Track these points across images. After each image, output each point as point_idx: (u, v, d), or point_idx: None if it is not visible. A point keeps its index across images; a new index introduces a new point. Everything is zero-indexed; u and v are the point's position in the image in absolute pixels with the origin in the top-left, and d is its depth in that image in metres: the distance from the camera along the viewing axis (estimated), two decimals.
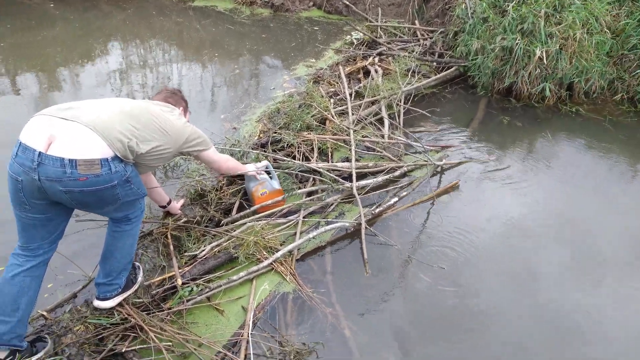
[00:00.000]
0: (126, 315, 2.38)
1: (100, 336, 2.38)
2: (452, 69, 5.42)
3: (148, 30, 6.69)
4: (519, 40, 4.77)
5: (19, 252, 2.12)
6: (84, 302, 2.49)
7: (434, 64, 5.61)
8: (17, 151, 1.89)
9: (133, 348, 2.33)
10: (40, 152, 1.83)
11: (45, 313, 2.44)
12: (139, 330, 2.38)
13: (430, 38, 6.01)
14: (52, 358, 2.17)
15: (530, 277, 2.99)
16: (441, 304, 2.79)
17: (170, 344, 2.36)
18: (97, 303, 2.40)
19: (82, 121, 1.92)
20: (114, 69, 5.44)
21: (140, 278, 2.59)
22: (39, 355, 2.14)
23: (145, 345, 2.34)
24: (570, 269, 3.06)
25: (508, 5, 4.98)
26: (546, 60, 4.71)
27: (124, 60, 5.75)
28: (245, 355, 2.39)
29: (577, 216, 3.50)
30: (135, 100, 2.34)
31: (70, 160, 1.85)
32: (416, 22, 6.57)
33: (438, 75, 5.33)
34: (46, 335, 2.27)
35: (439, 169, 3.94)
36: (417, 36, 6.20)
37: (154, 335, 2.33)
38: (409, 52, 5.62)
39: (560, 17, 4.87)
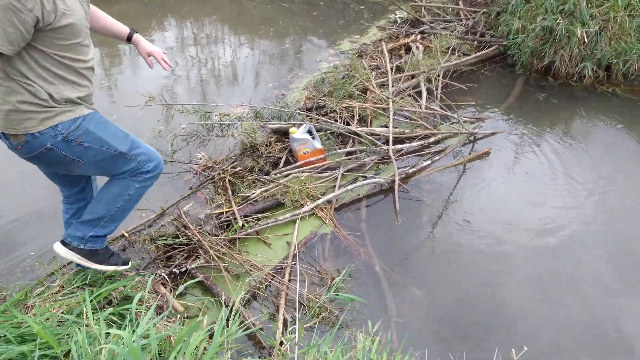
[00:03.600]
0: (191, 236, 2.83)
1: (169, 254, 2.84)
2: (492, 48, 5.59)
3: (207, 8, 7.16)
4: (559, 20, 4.90)
5: (62, 200, 2.41)
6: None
7: (475, 42, 5.80)
8: None
9: (196, 265, 2.78)
10: None
11: (126, 234, 2.94)
12: (201, 251, 2.83)
13: (473, 18, 6.17)
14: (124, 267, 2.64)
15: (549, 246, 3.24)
16: (465, 249, 3.10)
17: (226, 264, 2.80)
18: (56, 245, 2.20)
19: None
20: (173, 43, 5.93)
21: (121, 267, 2.39)
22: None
23: (205, 264, 2.79)
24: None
25: None
26: (586, 40, 4.82)
27: (182, 36, 6.24)
28: (289, 279, 2.80)
29: (608, 197, 3.65)
30: None
31: (3, 133, 1.88)
32: (460, 2, 6.72)
33: (478, 53, 5.52)
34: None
35: (471, 138, 4.20)
36: (460, 16, 6.38)
37: (214, 254, 2.77)
38: (451, 31, 5.82)
39: None
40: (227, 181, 3.40)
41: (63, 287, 2.25)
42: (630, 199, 3.54)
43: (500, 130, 4.33)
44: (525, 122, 4.51)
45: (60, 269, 2.49)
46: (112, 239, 2.92)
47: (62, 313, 2.00)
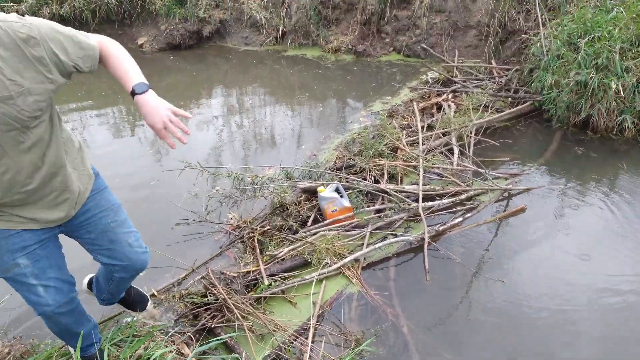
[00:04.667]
0: (217, 296, 2.87)
1: (196, 313, 2.89)
2: (526, 104, 5.57)
3: (249, 76, 7.65)
4: (593, 74, 4.85)
5: None
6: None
7: (509, 99, 5.80)
8: None
9: (220, 324, 2.80)
10: None
11: (155, 292, 3.03)
12: (226, 310, 2.85)
13: (506, 76, 6.22)
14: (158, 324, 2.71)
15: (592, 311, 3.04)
16: (500, 314, 2.94)
17: (251, 324, 2.80)
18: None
19: None
20: (217, 111, 6.33)
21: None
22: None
23: (230, 324, 2.80)
24: None
25: (581, 42, 5.09)
26: (623, 93, 4.72)
27: (226, 104, 6.65)
28: (312, 340, 2.75)
29: None
30: None
31: None
32: (492, 61, 6.82)
33: (512, 110, 5.50)
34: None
35: (506, 195, 4.10)
36: (492, 74, 6.44)
37: (238, 313, 2.78)
38: (483, 89, 5.87)
39: (637, 51, 4.88)
40: (255, 240, 3.47)
41: None
42: None
43: (537, 185, 4.21)
44: (564, 177, 4.37)
45: None
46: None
47: None
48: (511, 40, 6.81)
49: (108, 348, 2.32)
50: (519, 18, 6.67)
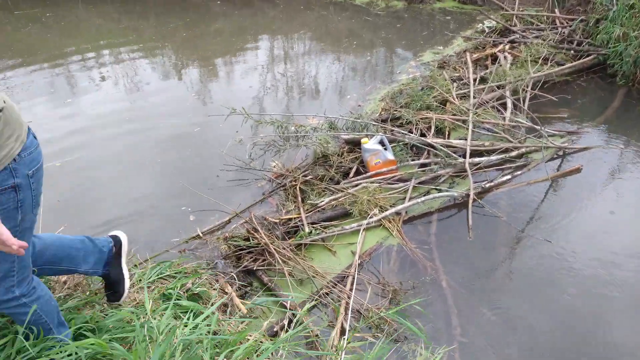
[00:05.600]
0: (259, 240, 2.95)
1: (238, 255, 2.98)
2: (590, 57, 5.16)
3: (295, 23, 7.48)
4: None
5: None
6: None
7: (571, 52, 5.38)
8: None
9: (262, 267, 2.89)
10: None
11: (200, 233, 3.14)
12: (268, 255, 2.93)
13: (570, 26, 5.75)
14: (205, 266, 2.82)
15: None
16: (543, 274, 2.86)
17: (291, 269, 2.87)
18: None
19: None
20: (263, 58, 6.25)
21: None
22: None
23: (271, 267, 2.88)
24: None
25: None
26: None
27: (272, 51, 6.55)
28: (351, 288, 2.79)
29: None
30: None
31: None
32: (556, 10, 6.29)
33: (574, 63, 5.12)
34: None
35: (560, 153, 3.89)
36: (555, 24, 5.97)
37: (280, 258, 2.85)
38: (544, 39, 5.46)
39: None
40: (297, 189, 3.49)
41: (140, 280, 2.46)
42: None
43: (596, 145, 3.96)
44: (626, 137, 4.08)
45: (139, 264, 2.72)
46: (188, 238, 3.13)
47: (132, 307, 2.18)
48: None
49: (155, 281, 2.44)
50: None
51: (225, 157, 3.93)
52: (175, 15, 7.76)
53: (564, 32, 5.67)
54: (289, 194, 3.50)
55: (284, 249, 2.95)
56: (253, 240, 2.99)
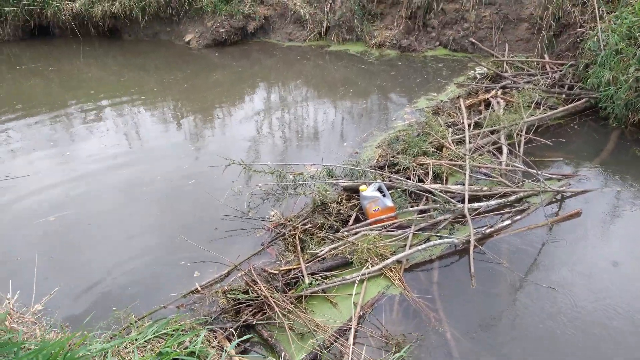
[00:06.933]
0: (259, 293, 2.89)
1: (237, 309, 2.91)
2: (582, 101, 5.27)
3: (292, 72, 7.69)
4: None
5: None
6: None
7: (562, 96, 5.51)
8: None
9: (261, 322, 2.82)
10: None
11: (199, 287, 3.08)
12: (267, 308, 2.87)
13: (560, 71, 5.91)
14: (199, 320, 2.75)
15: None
16: (548, 324, 2.80)
17: (291, 322, 2.80)
18: None
19: None
20: (261, 106, 6.38)
21: None
22: None
23: (271, 321, 2.81)
24: None
25: None
26: None
27: (269, 100, 6.70)
28: (353, 342, 2.71)
29: None
30: None
31: None
32: (545, 56, 6.50)
33: (566, 107, 5.23)
34: None
35: (559, 197, 3.90)
36: (545, 69, 6.14)
37: (279, 311, 2.79)
38: (535, 85, 5.60)
39: None
40: (297, 238, 3.47)
41: (137, 339, 2.39)
42: None
43: (593, 188, 3.97)
44: (622, 179, 4.11)
45: (135, 322, 2.65)
46: (186, 293, 3.07)
47: None
48: (565, 34, 6.46)
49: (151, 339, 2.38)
50: (574, 11, 6.32)
51: (223, 208, 3.93)
52: (175, 67, 7.98)
53: (554, 77, 5.83)
54: (288, 244, 3.48)
55: (284, 301, 2.89)
56: (252, 292, 2.94)
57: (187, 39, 9.26)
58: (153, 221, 3.89)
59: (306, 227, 3.58)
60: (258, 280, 2.96)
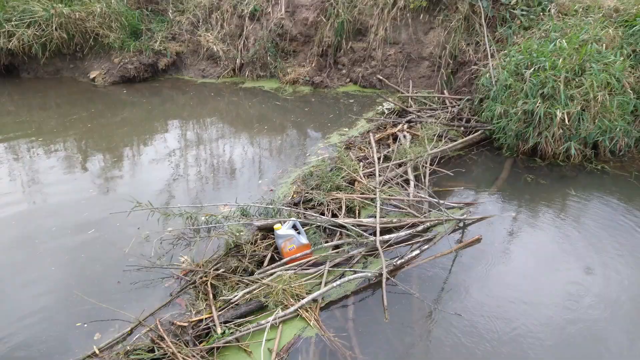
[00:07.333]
0: (166, 350, 2.70)
1: None
2: (478, 133, 5.72)
3: (206, 109, 7.57)
4: (539, 103, 5.04)
5: None
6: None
7: (461, 128, 5.94)
8: None
9: None
10: None
11: (97, 350, 2.82)
12: None
13: (458, 105, 6.40)
14: None
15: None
16: (458, 350, 2.90)
17: None
18: None
19: None
20: (172, 145, 6.17)
21: None
22: None
23: None
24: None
25: (527, 72, 5.30)
26: (568, 121, 4.91)
27: (182, 138, 6.51)
28: None
29: (597, 275, 3.54)
30: None
31: None
32: (445, 91, 7.02)
33: (465, 139, 5.63)
34: None
35: (461, 224, 4.13)
36: (445, 104, 6.61)
37: None
38: (437, 119, 6.00)
39: (579, 80, 5.11)
40: (209, 284, 3.33)
41: None
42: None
43: (491, 214, 4.27)
44: (516, 204, 4.47)
45: None
46: (82, 358, 2.80)
47: None
48: (462, 71, 7.04)
49: None
50: (468, 50, 6.92)
51: (128, 258, 3.68)
52: (79, 105, 7.53)
53: (453, 111, 6.28)
54: (199, 292, 3.32)
55: (194, 356, 2.73)
56: (159, 350, 2.74)
57: (92, 76, 8.82)
58: (47, 278, 3.54)
59: (219, 272, 3.45)
60: (165, 336, 2.77)
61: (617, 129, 4.98)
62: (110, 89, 8.46)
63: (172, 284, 3.45)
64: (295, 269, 3.54)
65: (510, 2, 6.69)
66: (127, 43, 8.77)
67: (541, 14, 6.52)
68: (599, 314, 3.13)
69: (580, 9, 6.33)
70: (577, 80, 5.14)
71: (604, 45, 5.44)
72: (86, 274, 3.57)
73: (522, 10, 6.61)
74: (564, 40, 5.54)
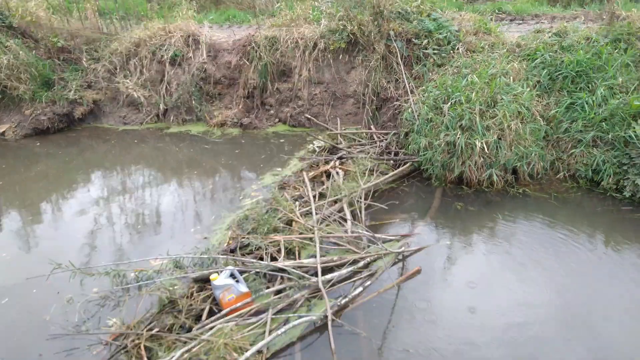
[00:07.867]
0: None
1: None
2: (407, 165, 5.92)
3: (130, 157, 7.20)
4: (459, 135, 5.34)
5: None
6: None
7: (391, 161, 6.13)
8: None
9: None
10: None
11: None
12: None
13: (386, 139, 6.62)
14: None
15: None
16: None
17: None
18: None
19: None
20: (95, 196, 5.77)
21: None
22: None
23: None
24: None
25: (445, 106, 5.62)
26: (487, 149, 5.23)
27: (106, 187, 6.12)
28: None
29: (526, 295, 3.71)
30: None
31: None
32: (372, 127, 7.26)
33: (395, 172, 5.80)
34: None
35: (400, 257, 4.18)
36: (373, 139, 6.82)
37: None
38: (366, 154, 6.15)
39: (493, 111, 5.51)
40: (142, 347, 3.05)
41: None
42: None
43: (427, 244, 4.37)
44: (450, 232, 4.62)
45: None
46: None
47: None
48: (385, 106, 7.34)
49: None
50: (389, 87, 7.25)
51: (49, 326, 3.30)
52: None
53: (382, 145, 6.48)
54: (131, 356, 3.02)
55: None
56: None
57: (1, 130, 8.14)
58: None
59: (152, 332, 3.18)
60: None
61: (532, 154, 5.38)
62: (23, 143, 7.84)
63: (100, 350, 3.13)
64: (236, 320, 3.35)
65: (422, 43, 7.15)
66: (38, 94, 8.23)
67: (451, 52, 7.02)
68: (542, 328, 3.25)
69: (486, 46, 6.91)
70: (490, 111, 5.53)
71: (511, 77, 5.93)
72: (0, 349, 3.15)
73: (433, 49, 7.08)
74: (474, 75, 5.98)
